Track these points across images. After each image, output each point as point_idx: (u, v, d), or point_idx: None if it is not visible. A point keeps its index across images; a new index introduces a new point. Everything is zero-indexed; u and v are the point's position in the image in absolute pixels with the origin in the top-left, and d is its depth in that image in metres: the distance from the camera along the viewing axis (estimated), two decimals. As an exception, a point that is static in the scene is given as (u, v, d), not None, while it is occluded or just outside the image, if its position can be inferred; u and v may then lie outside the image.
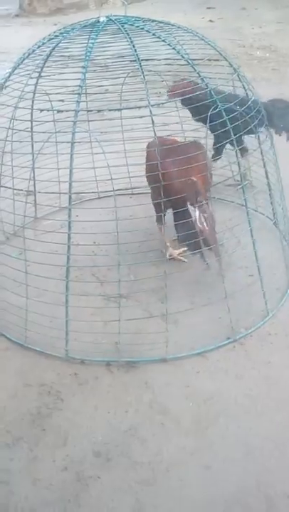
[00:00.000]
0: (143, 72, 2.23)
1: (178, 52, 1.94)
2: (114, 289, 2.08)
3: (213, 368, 1.76)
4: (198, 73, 1.91)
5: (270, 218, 2.41)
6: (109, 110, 1.83)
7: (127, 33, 1.96)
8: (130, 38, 1.94)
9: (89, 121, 1.87)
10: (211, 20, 6.52)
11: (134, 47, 1.94)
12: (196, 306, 2.00)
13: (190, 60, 1.94)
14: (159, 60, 2.18)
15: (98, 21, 2.00)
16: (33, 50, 1.98)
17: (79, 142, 1.76)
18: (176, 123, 2.46)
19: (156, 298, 2.05)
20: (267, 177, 2.23)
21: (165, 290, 1.88)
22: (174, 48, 1.94)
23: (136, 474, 1.46)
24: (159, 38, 1.96)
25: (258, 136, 2.13)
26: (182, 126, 2.45)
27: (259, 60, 5.09)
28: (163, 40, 1.96)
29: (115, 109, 1.84)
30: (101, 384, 1.72)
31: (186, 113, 2.40)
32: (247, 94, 2.12)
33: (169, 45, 1.95)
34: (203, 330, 1.90)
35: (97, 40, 1.93)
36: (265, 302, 1.95)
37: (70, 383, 1.72)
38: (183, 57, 1.92)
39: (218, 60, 2.15)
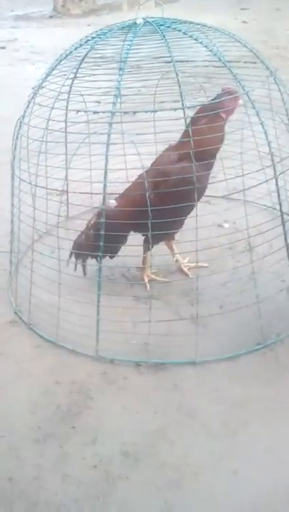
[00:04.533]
0: (177, 74, 2.25)
1: (215, 54, 1.93)
2: (144, 290, 2.10)
3: (242, 373, 1.75)
4: (234, 75, 1.90)
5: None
6: (146, 112, 1.84)
7: (163, 35, 1.97)
8: (166, 40, 1.95)
9: (122, 122, 1.88)
10: (244, 21, 6.49)
11: (169, 48, 1.95)
12: (225, 310, 1.99)
13: (226, 62, 1.93)
14: (194, 61, 2.17)
15: (135, 23, 2.01)
16: (70, 52, 2.00)
17: (114, 144, 1.77)
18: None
19: (186, 300, 2.05)
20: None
21: (196, 292, 1.88)
22: (210, 50, 1.93)
23: (164, 476, 1.46)
24: (196, 39, 1.96)
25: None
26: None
27: (293, 62, 5.03)
28: (200, 42, 1.95)
29: (150, 111, 1.84)
30: (130, 384, 1.73)
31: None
32: (282, 96, 2.10)
33: (206, 46, 1.94)
34: (233, 334, 1.89)
35: (136, 41, 1.93)
36: (297, 308, 1.93)
37: (100, 382, 1.73)
38: (220, 59, 1.91)
39: (254, 62, 2.13)
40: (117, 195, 2.10)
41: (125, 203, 1.98)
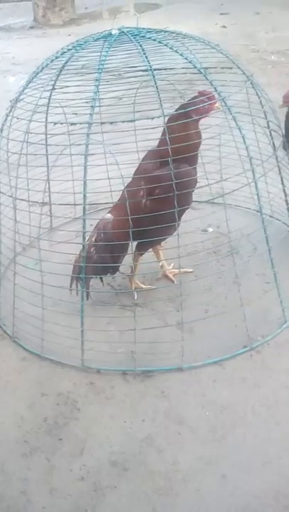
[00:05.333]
0: (156, 82, 2.26)
1: (190, 62, 1.94)
2: (130, 298, 2.10)
3: (229, 377, 1.76)
4: (210, 82, 1.92)
5: (286, 224, 2.39)
6: (122, 122, 1.85)
7: (140, 45, 1.98)
8: (143, 50, 1.97)
9: (100, 132, 1.90)
10: (224, 26, 6.53)
11: (146, 58, 1.97)
12: (211, 314, 1.99)
13: (202, 68, 1.95)
14: (172, 69, 2.19)
15: (110, 34, 2.03)
16: (47, 64, 2.01)
17: (92, 154, 1.78)
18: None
19: (172, 306, 2.05)
20: (282, 183, 2.22)
21: (180, 299, 1.89)
22: (186, 58, 1.95)
23: (153, 484, 1.46)
24: (171, 48, 1.98)
25: (273, 142, 2.13)
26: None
27: (273, 65, 5.07)
28: (175, 51, 1.97)
29: (128, 121, 1.86)
30: (117, 393, 1.73)
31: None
32: (260, 100, 2.12)
33: (181, 55, 1.96)
34: (219, 338, 1.90)
35: (111, 52, 1.95)
36: (283, 309, 1.94)
37: (86, 392, 1.73)
38: (195, 66, 1.92)
39: (231, 67, 2.15)
40: (110, 208, 2.11)
41: (121, 213, 1.98)
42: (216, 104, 1.92)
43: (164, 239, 2.07)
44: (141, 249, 2.06)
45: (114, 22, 2.16)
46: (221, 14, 7.12)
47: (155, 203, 1.89)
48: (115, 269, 2.06)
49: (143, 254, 2.10)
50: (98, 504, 1.41)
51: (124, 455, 1.54)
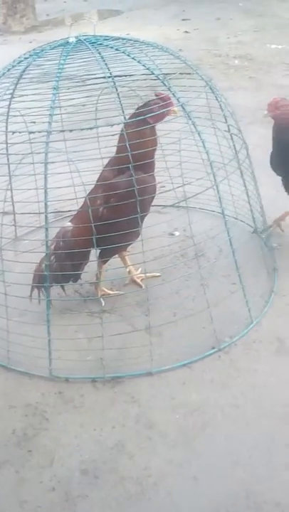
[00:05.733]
0: (117, 89, 2.27)
1: (148, 69, 1.96)
2: (98, 304, 2.10)
3: (198, 379, 1.77)
4: (168, 88, 1.94)
5: (250, 225, 2.43)
6: (82, 129, 1.85)
7: (99, 52, 1.99)
8: (102, 57, 1.98)
9: (65, 140, 1.89)
10: (186, 31, 6.61)
11: (106, 65, 1.98)
12: (179, 317, 2.01)
13: (160, 75, 1.97)
14: (132, 75, 2.20)
15: (68, 42, 2.03)
16: (3, 73, 2.00)
17: (52, 162, 1.77)
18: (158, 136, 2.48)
19: (140, 311, 2.06)
20: (245, 185, 2.25)
21: (147, 303, 1.89)
22: (143, 65, 1.96)
23: (124, 490, 1.45)
24: (128, 55, 1.99)
25: (234, 145, 2.16)
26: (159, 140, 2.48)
27: (236, 69, 5.15)
28: (132, 58, 1.98)
29: (88, 128, 1.86)
30: (86, 401, 1.72)
31: (165, 126, 2.37)
32: (220, 104, 2.15)
33: (138, 62, 1.97)
34: (188, 341, 1.91)
35: (69, 60, 1.95)
36: (249, 310, 1.97)
37: (55, 402, 1.71)
38: (152, 72, 1.94)
39: (190, 73, 2.17)
40: (71, 217, 2.11)
41: (80, 221, 1.98)
42: (174, 109, 1.93)
43: (126, 245, 2.07)
44: (104, 256, 2.06)
45: (73, 29, 2.16)
46: (183, 20, 7.20)
47: (111, 210, 1.89)
48: (76, 277, 2.05)
49: (107, 261, 2.10)
50: (70, 514, 1.40)
51: (94, 463, 1.53)
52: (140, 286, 2.18)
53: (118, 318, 2.05)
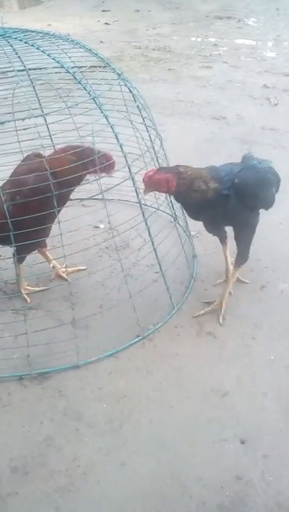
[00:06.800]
0: (32, 82, 2.24)
1: (58, 62, 1.95)
2: (24, 301, 2.08)
3: (124, 367, 1.81)
4: (79, 81, 1.94)
5: (171, 215, 2.49)
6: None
7: (11, 45, 1.96)
8: (14, 50, 1.94)
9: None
10: (106, 23, 6.59)
11: (20, 58, 1.95)
12: (105, 308, 2.03)
13: (70, 68, 1.97)
14: (46, 68, 2.18)
15: (-26, 34, 1.98)
16: None
17: None
18: (73, 130, 2.47)
19: (67, 305, 2.06)
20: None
21: (70, 297, 1.90)
22: (53, 59, 1.95)
23: (54, 483, 1.47)
24: (38, 48, 1.97)
25: (149, 135, 2.20)
26: (78, 132, 2.47)
27: (155, 61, 5.22)
28: (42, 51, 1.96)
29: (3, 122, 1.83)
30: (14, 399, 1.71)
31: (82, 119, 2.38)
32: (134, 96, 2.17)
33: (48, 55, 1.96)
34: (114, 331, 1.94)
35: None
36: (170, 297, 2.03)
37: (-19, 403, 1.69)
38: (62, 66, 1.94)
39: (104, 66, 2.18)
40: None
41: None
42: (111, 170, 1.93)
43: (38, 242, 2.01)
44: (19, 253, 2.02)
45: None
46: (103, 11, 7.18)
47: (18, 207, 1.83)
48: None
49: (24, 257, 2.07)
50: (-1, 513, 1.40)
51: (24, 459, 1.53)
52: (66, 280, 2.18)
53: (44, 313, 2.05)
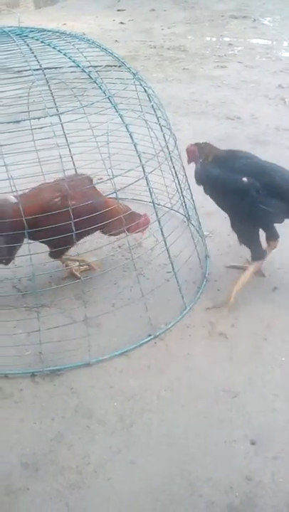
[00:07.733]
0: (48, 81, 2.26)
1: (73, 61, 1.96)
2: (36, 298, 2.09)
3: (135, 366, 1.81)
4: (94, 81, 1.95)
5: (184, 215, 2.49)
6: (9, 122, 1.83)
7: (27, 44, 1.97)
8: (31, 49, 1.96)
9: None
10: (122, 22, 6.60)
11: (36, 57, 1.96)
12: (117, 307, 2.04)
13: (87, 67, 1.98)
14: (61, 68, 2.19)
15: (-8, 33, 2.00)
16: None
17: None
18: (88, 129, 2.48)
19: (79, 303, 2.07)
20: (175, 175, 2.30)
21: (83, 296, 1.91)
22: (69, 58, 1.96)
23: (64, 480, 1.48)
24: (54, 48, 1.98)
25: (164, 135, 2.20)
26: (93, 131, 2.48)
27: (170, 61, 5.21)
28: (58, 51, 1.98)
29: (15, 121, 1.84)
30: (26, 396, 1.73)
31: (96, 118, 2.39)
32: (148, 96, 2.18)
33: (64, 55, 1.97)
34: (126, 330, 1.95)
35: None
36: (182, 296, 2.03)
37: (-6, 399, 1.71)
38: (78, 65, 1.95)
39: (120, 65, 2.19)
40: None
41: (29, 203, 1.94)
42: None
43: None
44: (55, 255, 2.12)
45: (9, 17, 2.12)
46: (118, 11, 7.19)
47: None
48: (8, 261, 2.07)
49: (61, 254, 2.13)
50: (11, 508, 1.41)
51: (35, 456, 1.54)
52: (78, 278, 2.20)
53: (57, 311, 2.06)
